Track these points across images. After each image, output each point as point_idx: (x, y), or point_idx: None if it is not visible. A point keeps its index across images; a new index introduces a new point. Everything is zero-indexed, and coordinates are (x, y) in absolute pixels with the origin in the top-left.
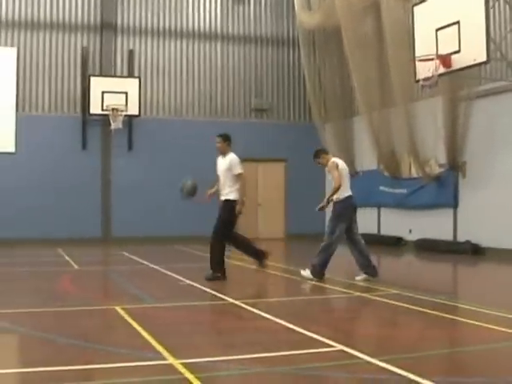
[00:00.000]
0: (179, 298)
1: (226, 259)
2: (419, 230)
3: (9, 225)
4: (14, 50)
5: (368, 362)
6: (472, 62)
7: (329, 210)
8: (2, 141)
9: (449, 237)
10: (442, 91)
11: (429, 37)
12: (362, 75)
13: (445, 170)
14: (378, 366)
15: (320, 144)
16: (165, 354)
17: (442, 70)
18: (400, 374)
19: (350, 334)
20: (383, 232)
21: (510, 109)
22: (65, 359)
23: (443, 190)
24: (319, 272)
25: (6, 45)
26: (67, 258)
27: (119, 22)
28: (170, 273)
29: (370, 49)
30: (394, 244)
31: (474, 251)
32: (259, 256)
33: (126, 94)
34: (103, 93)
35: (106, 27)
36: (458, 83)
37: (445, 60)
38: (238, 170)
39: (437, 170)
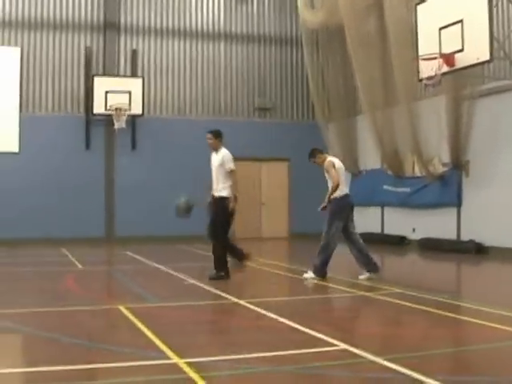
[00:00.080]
0: (183, 297)
1: (231, 259)
2: (423, 229)
3: (12, 225)
4: (18, 49)
5: (372, 361)
6: (475, 61)
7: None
8: (6, 141)
9: (452, 236)
10: (446, 90)
11: (432, 36)
12: (365, 74)
13: (448, 168)
14: (381, 364)
15: (323, 143)
16: (169, 353)
17: (445, 68)
18: (404, 373)
19: (353, 333)
20: (387, 231)
21: None
22: (69, 359)
23: (447, 189)
24: (321, 271)
25: (9, 44)
26: (71, 257)
27: (122, 21)
28: (173, 272)
29: (374, 48)
30: (398, 243)
31: (478, 250)
32: (240, 256)
33: (130, 93)
34: (107, 92)
35: (110, 27)
36: (461, 82)
37: (448, 59)
38: (231, 166)
39: (440, 169)
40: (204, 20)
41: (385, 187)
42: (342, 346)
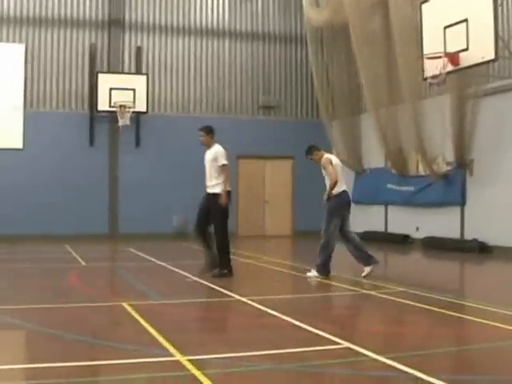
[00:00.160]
0: (186, 294)
1: (234, 257)
2: (426, 228)
3: (16, 221)
4: (22, 46)
5: (374, 360)
6: (480, 60)
7: None
8: (10, 137)
9: (456, 235)
10: (450, 89)
11: (437, 34)
12: (369, 72)
13: (452, 167)
14: (384, 363)
15: (327, 141)
16: (172, 350)
17: (449, 67)
18: (406, 372)
19: (356, 332)
20: (390, 230)
21: None
22: (72, 355)
23: (451, 187)
24: (324, 270)
25: (14, 41)
26: (74, 254)
27: (127, 18)
28: (176, 269)
29: (378, 46)
30: (401, 242)
31: (481, 249)
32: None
33: (134, 90)
34: (111, 89)
35: (114, 24)
36: (465, 81)
37: (453, 58)
38: (223, 160)
39: (444, 168)
40: (209, 17)
41: (389, 186)
42: (345, 344)
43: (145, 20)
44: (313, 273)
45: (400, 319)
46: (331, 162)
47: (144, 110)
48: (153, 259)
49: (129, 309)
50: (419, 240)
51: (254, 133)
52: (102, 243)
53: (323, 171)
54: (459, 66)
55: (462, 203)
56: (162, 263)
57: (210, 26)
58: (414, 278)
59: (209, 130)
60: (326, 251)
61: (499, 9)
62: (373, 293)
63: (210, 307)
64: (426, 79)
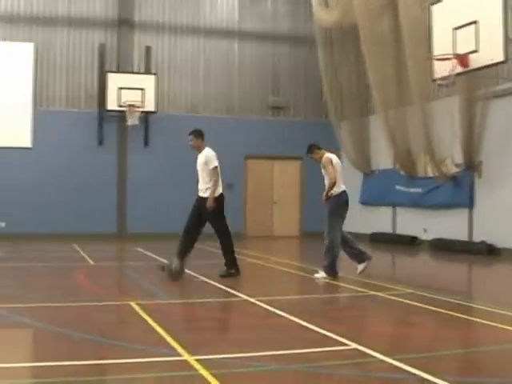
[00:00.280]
0: (194, 294)
1: (242, 257)
2: (434, 230)
3: (24, 220)
4: (32, 45)
5: (382, 361)
6: (489, 62)
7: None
8: (19, 136)
9: (464, 237)
10: (459, 91)
11: (446, 36)
12: (378, 73)
13: (461, 169)
14: (391, 364)
15: (336, 142)
16: (179, 350)
17: (459, 69)
18: (414, 373)
19: (363, 333)
20: (398, 231)
21: None
22: (80, 354)
23: (459, 189)
24: (332, 271)
25: (23, 40)
26: (82, 253)
27: (136, 18)
28: (184, 269)
29: (387, 47)
30: (409, 243)
31: (490, 251)
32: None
33: (143, 90)
34: (120, 89)
35: (124, 23)
36: (475, 83)
37: (462, 59)
38: (213, 163)
39: (453, 170)
40: (218, 17)
41: (397, 187)
42: (353, 345)
43: (154, 20)
44: (321, 274)
45: (407, 321)
46: (331, 162)
47: (153, 109)
48: (160, 259)
49: (137, 308)
50: (427, 242)
51: (262, 133)
52: (109, 242)
53: (323, 170)
54: (468, 68)
55: (471, 205)
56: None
57: (219, 26)
58: (422, 279)
59: (198, 134)
60: (332, 252)
61: (509, 10)
62: (380, 294)
63: (218, 307)
64: (435, 80)
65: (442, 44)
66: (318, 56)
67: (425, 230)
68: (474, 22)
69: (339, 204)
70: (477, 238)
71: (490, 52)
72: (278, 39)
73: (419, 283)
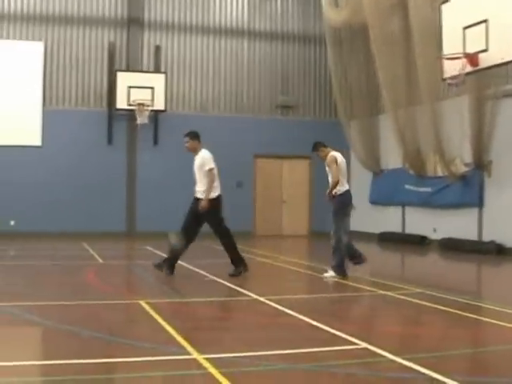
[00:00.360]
0: (203, 293)
1: (252, 256)
2: (444, 229)
3: (34, 218)
4: (41, 44)
5: (391, 360)
6: (500, 61)
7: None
8: (29, 134)
9: (473, 236)
10: (469, 90)
11: (456, 35)
12: (388, 73)
13: (470, 169)
14: (401, 364)
15: (345, 141)
16: (189, 348)
17: (469, 68)
18: (423, 373)
19: (373, 332)
20: (408, 231)
21: None
22: (89, 352)
23: (468, 189)
24: (341, 271)
25: (33, 39)
26: (92, 251)
27: (146, 17)
28: (194, 268)
29: (397, 46)
30: (419, 243)
31: (499, 251)
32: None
33: (153, 89)
34: (129, 88)
35: (133, 22)
36: (484, 82)
37: (472, 59)
38: (209, 165)
39: (462, 169)
40: (228, 17)
41: (406, 187)
42: (362, 344)
43: (164, 19)
44: (330, 273)
45: (417, 320)
46: (336, 161)
47: (162, 108)
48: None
49: (146, 307)
50: (436, 241)
51: (271, 132)
52: (119, 241)
53: (327, 168)
54: (478, 67)
55: (480, 205)
56: (180, 262)
57: (228, 25)
58: (431, 279)
59: (194, 135)
60: (340, 252)
61: None
62: (390, 293)
63: (227, 306)
64: (444, 80)
65: (451, 43)
66: (328, 55)
67: (434, 230)
68: (484, 21)
69: (342, 203)
70: (486, 238)
71: (500, 51)
72: (287, 38)
73: (428, 283)
